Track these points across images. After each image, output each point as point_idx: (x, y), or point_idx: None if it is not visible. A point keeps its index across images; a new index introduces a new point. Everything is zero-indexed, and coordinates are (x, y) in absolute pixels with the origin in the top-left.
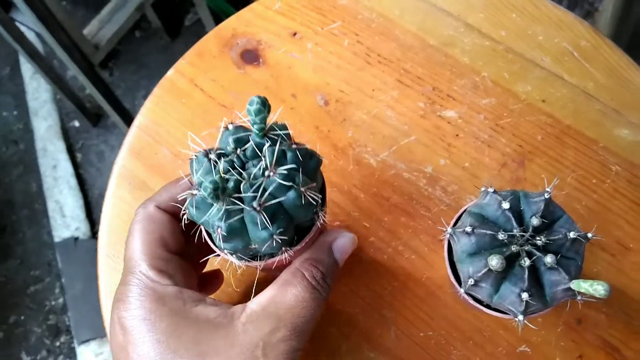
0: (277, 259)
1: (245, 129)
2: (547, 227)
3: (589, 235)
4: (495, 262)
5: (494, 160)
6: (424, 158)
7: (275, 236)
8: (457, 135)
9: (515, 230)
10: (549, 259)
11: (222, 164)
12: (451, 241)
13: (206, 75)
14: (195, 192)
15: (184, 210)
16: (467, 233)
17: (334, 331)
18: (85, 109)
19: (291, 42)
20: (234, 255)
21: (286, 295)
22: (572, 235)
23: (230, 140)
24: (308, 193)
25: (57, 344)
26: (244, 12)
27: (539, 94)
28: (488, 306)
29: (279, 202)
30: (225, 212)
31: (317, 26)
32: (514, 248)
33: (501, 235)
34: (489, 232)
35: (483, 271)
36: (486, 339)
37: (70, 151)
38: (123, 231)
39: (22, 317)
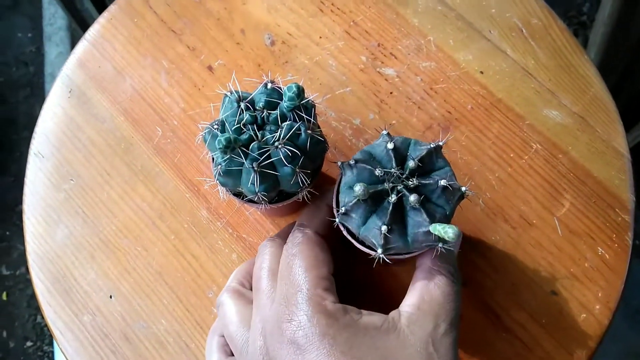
0: (255, 206)
1: (281, 95)
2: (425, 173)
3: (463, 189)
4: (357, 188)
5: (420, 122)
6: (355, 110)
7: (259, 194)
8: (391, 92)
9: (393, 170)
10: (412, 197)
11: (246, 117)
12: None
13: None
14: (215, 126)
15: (201, 134)
16: (350, 165)
17: (234, 257)
18: None
19: None
20: (222, 187)
21: (433, 294)
22: (442, 183)
23: (263, 99)
24: (300, 175)
25: None
26: None
27: (478, 64)
28: (363, 243)
29: (273, 171)
30: (230, 157)
31: None
32: (386, 185)
33: (378, 172)
34: (367, 167)
35: (353, 201)
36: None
37: None
38: (54, 135)
39: (8, 233)
